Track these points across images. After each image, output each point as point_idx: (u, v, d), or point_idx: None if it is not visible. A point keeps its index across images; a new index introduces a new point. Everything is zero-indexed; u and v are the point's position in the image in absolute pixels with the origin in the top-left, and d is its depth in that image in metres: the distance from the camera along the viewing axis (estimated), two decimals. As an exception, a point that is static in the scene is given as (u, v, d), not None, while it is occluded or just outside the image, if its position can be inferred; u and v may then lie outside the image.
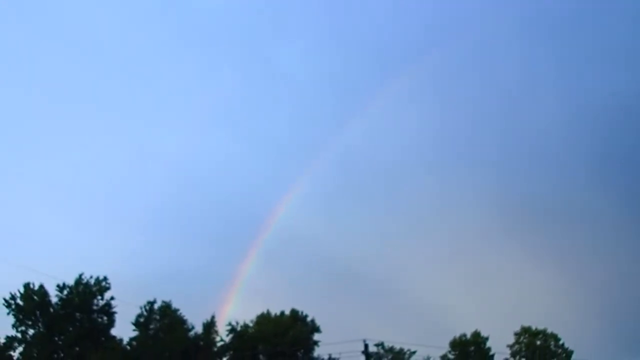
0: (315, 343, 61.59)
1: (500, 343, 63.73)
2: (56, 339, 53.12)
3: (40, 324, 52.65)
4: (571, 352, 61.58)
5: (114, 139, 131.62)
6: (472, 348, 62.04)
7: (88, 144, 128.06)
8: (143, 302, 56.98)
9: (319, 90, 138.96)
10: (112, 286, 55.85)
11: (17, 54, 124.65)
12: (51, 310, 53.15)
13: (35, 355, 51.43)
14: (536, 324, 63.59)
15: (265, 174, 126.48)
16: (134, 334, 55.72)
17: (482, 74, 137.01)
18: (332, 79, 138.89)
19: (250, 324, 61.23)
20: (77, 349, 53.01)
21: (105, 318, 55.70)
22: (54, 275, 58.57)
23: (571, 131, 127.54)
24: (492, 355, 62.39)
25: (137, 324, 56.03)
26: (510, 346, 62.75)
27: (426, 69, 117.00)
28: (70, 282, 54.86)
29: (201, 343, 57.29)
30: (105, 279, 55.66)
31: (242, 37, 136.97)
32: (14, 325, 52.00)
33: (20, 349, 52.03)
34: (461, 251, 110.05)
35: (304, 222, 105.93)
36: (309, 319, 62.60)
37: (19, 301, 52.47)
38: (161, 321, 56.43)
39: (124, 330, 56.22)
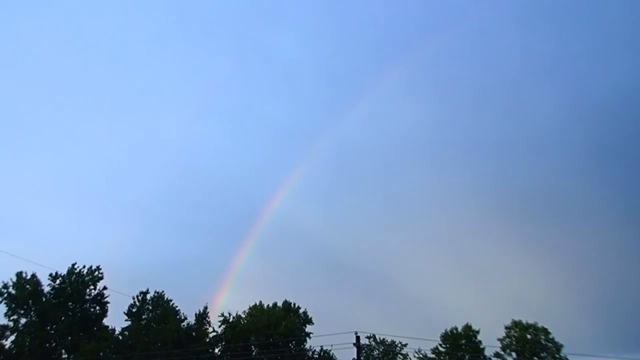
0: (308, 335, 61.84)
1: (491, 336, 64.09)
2: (48, 328, 53.32)
3: (32, 313, 52.82)
4: (561, 346, 61.94)
5: (109, 130, 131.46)
6: (464, 341, 62.34)
7: (83, 135, 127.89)
8: (136, 292, 57.36)
9: (316, 81, 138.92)
10: (105, 276, 56.24)
11: (14, 48, 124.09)
12: (44, 299, 53.36)
13: (27, 344, 51.61)
14: (527, 318, 63.87)
15: (261, 166, 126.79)
16: (127, 324, 56.02)
17: (481, 65, 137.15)
18: (330, 70, 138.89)
19: (243, 315, 61.42)
20: (70, 338, 53.27)
21: (97, 308, 55.99)
22: (47, 265, 58.67)
23: (570, 124, 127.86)
24: (483, 349, 62.70)
25: (129, 314, 56.24)
26: (501, 340, 63.05)
27: (424, 60, 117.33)
28: (63, 271, 55.08)
29: (193, 334, 57.42)
30: (98, 268, 55.90)
31: (239, 28, 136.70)
32: (6, 314, 52.38)
33: (13, 337, 52.24)
34: (456, 244, 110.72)
35: (299, 213, 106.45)
36: (301, 310, 62.87)
37: (11, 290, 52.64)
38: (154, 311, 56.65)
39: (116, 320, 56.74)
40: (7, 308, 52.36)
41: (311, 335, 61.83)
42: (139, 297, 56.92)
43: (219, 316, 60.38)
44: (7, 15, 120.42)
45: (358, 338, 45.95)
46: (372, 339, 63.17)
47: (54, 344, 53.30)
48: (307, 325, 62.26)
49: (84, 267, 55.73)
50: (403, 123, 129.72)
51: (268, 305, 62.40)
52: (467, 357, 62.51)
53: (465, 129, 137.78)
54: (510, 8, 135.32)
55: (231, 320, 60.46)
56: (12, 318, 52.49)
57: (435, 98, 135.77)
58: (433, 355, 62.91)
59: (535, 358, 61.61)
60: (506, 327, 63.63)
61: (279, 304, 62.97)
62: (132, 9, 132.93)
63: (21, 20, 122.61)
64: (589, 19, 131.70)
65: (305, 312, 62.68)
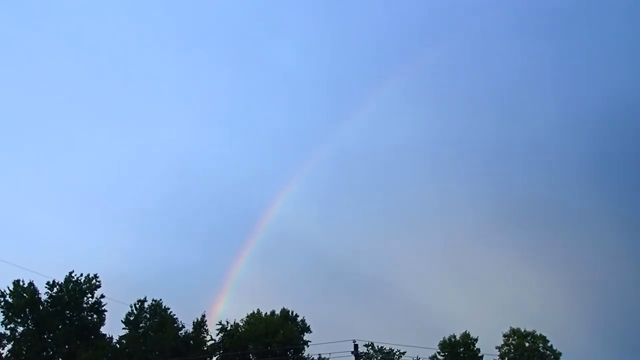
0: (306, 343, 61.81)
1: (489, 344, 64.12)
2: (45, 336, 53.02)
3: (29, 322, 52.52)
4: (559, 354, 61.96)
5: (108, 137, 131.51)
6: (462, 349, 62.29)
7: (81, 140, 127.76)
8: (133, 300, 57.13)
9: (316, 88, 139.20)
10: (103, 284, 55.93)
11: (13, 53, 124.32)
12: (41, 307, 52.99)
13: (24, 352, 51.29)
14: (526, 326, 64.00)
15: (260, 172, 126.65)
16: (124, 332, 55.69)
17: (479, 72, 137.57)
18: (330, 77, 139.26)
19: (241, 324, 61.32)
20: (67, 346, 52.97)
21: (95, 316, 55.65)
22: (44, 271, 58.48)
23: (569, 131, 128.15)
24: (481, 357, 62.64)
25: (127, 322, 55.97)
26: (499, 348, 63.09)
27: (422, 67, 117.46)
28: (61, 279, 54.84)
29: (191, 342, 57.30)
30: (95, 276, 55.61)
31: (239, 35, 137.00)
32: (3, 323, 51.92)
33: (9, 346, 51.94)
34: (454, 251, 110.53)
35: (298, 220, 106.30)
36: (299, 319, 62.82)
37: (8, 298, 52.31)
38: (151, 320, 56.40)
39: (114, 328, 56.39)
40: (4, 316, 51.90)
41: (309, 343, 61.94)
42: (137, 306, 56.67)
43: (216, 324, 60.40)
44: (6, 19, 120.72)
45: (356, 346, 45.93)
46: (370, 347, 63.20)
47: (51, 353, 52.98)
48: (305, 334, 62.27)
49: (82, 275, 55.43)
50: (402, 130, 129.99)
51: (266, 313, 62.37)
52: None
53: (465, 136, 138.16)
54: (510, 15, 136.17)
55: (229, 328, 60.37)
56: (9, 326, 52.08)
57: (435, 105, 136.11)
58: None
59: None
60: (504, 335, 63.76)
61: (277, 311, 62.95)
62: (132, 14, 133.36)
63: (20, 25, 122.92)
64: (589, 26, 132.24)
65: (303, 320, 62.70)
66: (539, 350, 62.18)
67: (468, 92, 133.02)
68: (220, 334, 60.13)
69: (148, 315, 56.68)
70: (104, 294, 55.77)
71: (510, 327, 63.88)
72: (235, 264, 79.16)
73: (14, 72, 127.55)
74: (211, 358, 59.22)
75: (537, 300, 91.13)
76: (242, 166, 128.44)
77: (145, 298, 57.17)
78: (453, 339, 62.84)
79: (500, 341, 63.69)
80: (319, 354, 60.27)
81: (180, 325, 57.63)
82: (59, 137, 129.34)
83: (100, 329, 55.76)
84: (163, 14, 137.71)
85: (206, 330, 59.01)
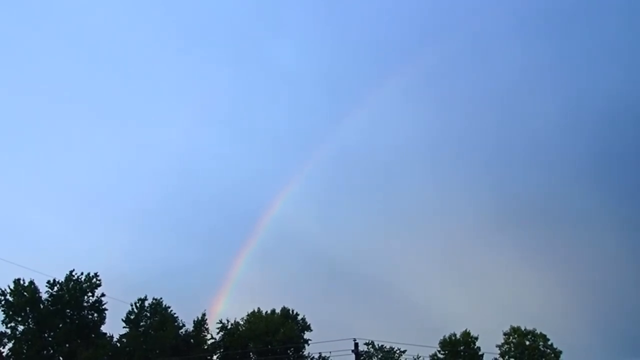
0: (306, 341, 61.86)
1: (490, 342, 64.16)
2: (46, 335, 53.05)
3: (30, 320, 52.56)
4: (560, 353, 62.00)
5: (108, 137, 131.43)
6: (462, 347, 62.34)
7: (81, 140, 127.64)
8: (134, 299, 57.12)
9: (315, 88, 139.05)
10: (103, 283, 55.93)
11: (13, 53, 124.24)
12: (41, 306, 53.01)
13: (24, 351, 51.33)
14: (526, 324, 64.06)
15: (260, 172, 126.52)
16: (125, 331, 55.71)
17: (479, 72, 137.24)
18: (330, 77, 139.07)
19: (241, 322, 61.36)
20: (67, 345, 52.97)
21: (95, 315, 55.65)
22: (44, 271, 58.39)
23: (569, 131, 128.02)
24: (482, 355, 62.70)
25: (127, 321, 55.99)
26: (500, 346, 63.11)
27: (422, 67, 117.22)
28: (61, 278, 54.85)
29: (192, 341, 57.30)
30: (96, 275, 55.63)
31: (239, 35, 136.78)
32: (3, 321, 52.00)
33: (10, 345, 51.96)
34: (454, 250, 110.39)
35: (298, 220, 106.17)
36: (299, 317, 62.85)
37: (8, 297, 52.35)
38: (152, 318, 56.40)
39: (114, 327, 56.38)
40: (4, 315, 51.95)
41: (310, 342, 62.02)
42: (137, 304, 56.67)
43: (217, 323, 60.48)
44: (6, 19, 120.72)
45: (357, 345, 45.88)
46: (370, 346, 63.13)
47: (51, 351, 52.99)
48: (306, 332, 62.32)
49: (82, 273, 55.44)
50: (402, 130, 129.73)
51: (266, 311, 62.43)
52: (465, 363, 62.41)
53: (465, 136, 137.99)
54: (510, 15, 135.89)
55: (229, 327, 60.45)
56: (9, 325, 52.15)
57: (435, 105, 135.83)
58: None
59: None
60: (505, 334, 63.79)
61: (277, 310, 63.00)
62: (132, 14, 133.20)
63: (20, 25, 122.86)
64: (589, 26, 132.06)
65: (303, 319, 62.76)
66: (540, 349, 62.22)
67: (468, 92, 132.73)
68: (221, 333, 60.22)
69: (148, 314, 56.67)
70: (105, 293, 55.90)
71: (511, 326, 63.93)
72: (235, 263, 79.19)
73: (14, 72, 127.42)
74: (212, 357, 59.23)
75: (537, 300, 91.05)
76: (242, 166, 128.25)
77: (145, 297, 57.24)
78: (453, 338, 62.86)
79: (500, 340, 63.77)
80: (320, 353, 60.42)
81: (181, 324, 57.70)
82: (59, 137, 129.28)
83: (101, 328, 55.82)
84: (163, 14, 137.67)
85: (207, 329, 59.02)
